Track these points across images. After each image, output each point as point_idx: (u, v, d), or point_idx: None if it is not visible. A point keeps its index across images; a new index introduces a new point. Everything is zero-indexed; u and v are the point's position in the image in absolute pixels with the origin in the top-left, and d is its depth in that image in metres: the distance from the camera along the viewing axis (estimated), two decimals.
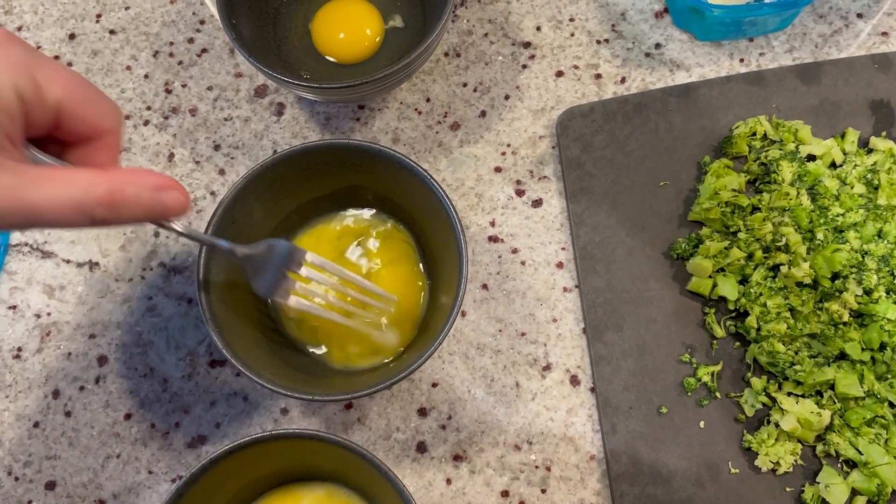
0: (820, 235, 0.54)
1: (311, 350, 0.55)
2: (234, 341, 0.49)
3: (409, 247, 0.56)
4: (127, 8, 0.68)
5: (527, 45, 0.65)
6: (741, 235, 0.55)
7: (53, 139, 0.38)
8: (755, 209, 0.57)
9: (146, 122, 0.64)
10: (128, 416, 0.57)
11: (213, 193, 0.62)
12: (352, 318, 0.53)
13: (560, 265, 0.59)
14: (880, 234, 0.54)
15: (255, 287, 0.49)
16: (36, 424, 0.57)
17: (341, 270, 0.50)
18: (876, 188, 0.56)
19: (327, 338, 0.55)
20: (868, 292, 0.53)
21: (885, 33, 0.63)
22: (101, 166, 0.38)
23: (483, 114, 0.63)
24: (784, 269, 0.54)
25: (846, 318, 0.52)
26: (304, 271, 0.49)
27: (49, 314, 0.60)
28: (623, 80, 0.63)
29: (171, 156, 0.63)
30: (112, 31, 0.67)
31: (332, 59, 0.62)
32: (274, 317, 0.55)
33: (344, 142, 0.53)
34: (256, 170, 0.52)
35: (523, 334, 0.57)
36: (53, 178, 0.34)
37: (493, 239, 0.60)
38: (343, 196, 0.57)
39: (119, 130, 0.39)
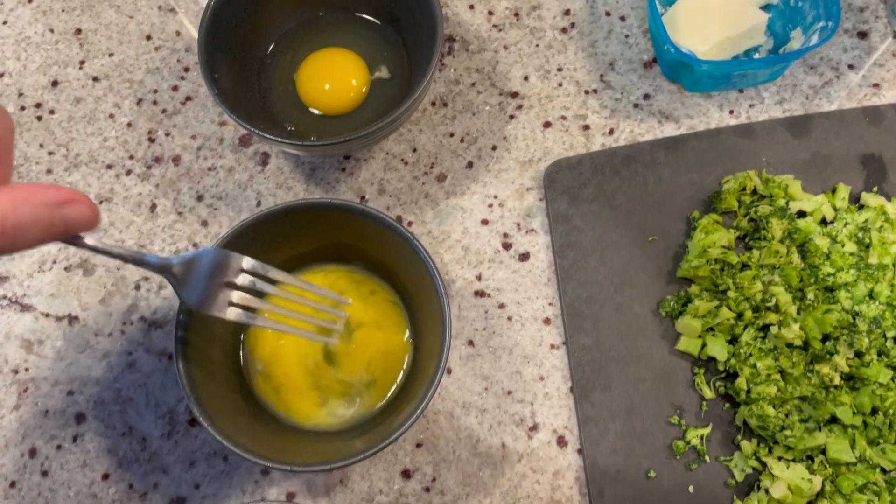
0: (810, 295, 0.53)
1: (278, 412, 0.54)
2: (211, 407, 0.48)
3: (393, 305, 0.55)
4: (111, 54, 0.67)
5: (514, 94, 0.64)
6: (730, 294, 0.54)
7: None
8: (745, 266, 0.56)
9: (128, 172, 0.63)
10: (105, 477, 0.56)
11: (195, 245, 0.61)
12: (303, 327, 0.49)
13: (547, 321, 0.58)
14: (871, 295, 0.54)
15: (186, 300, 0.44)
16: (12, 484, 0.56)
17: (284, 275, 0.46)
18: (867, 247, 0.55)
19: (290, 394, 0.53)
20: (859, 355, 0.52)
21: (876, 85, 0.62)
22: None
23: (470, 165, 0.63)
24: (774, 329, 0.53)
25: (837, 381, 0.51)
26: (240, 279, 0.45)
27: (27, 369, 0.58)
28: (611, 132, 0.63)
29: (154, 206, 0.62)
30: (95, 78, 0.66)
31: (316, 111, 0.62)
32: (247, 377, 0.54)
33: (326, 201, 0.52)
34: (237, 229, 0.51)
35: (510, 392, 0.56)
36: None
37: (480, 293, 0.59)
38: (327, 252, 0.56)
39: (11, 141, 0.34)
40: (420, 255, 0.50)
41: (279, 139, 0.54)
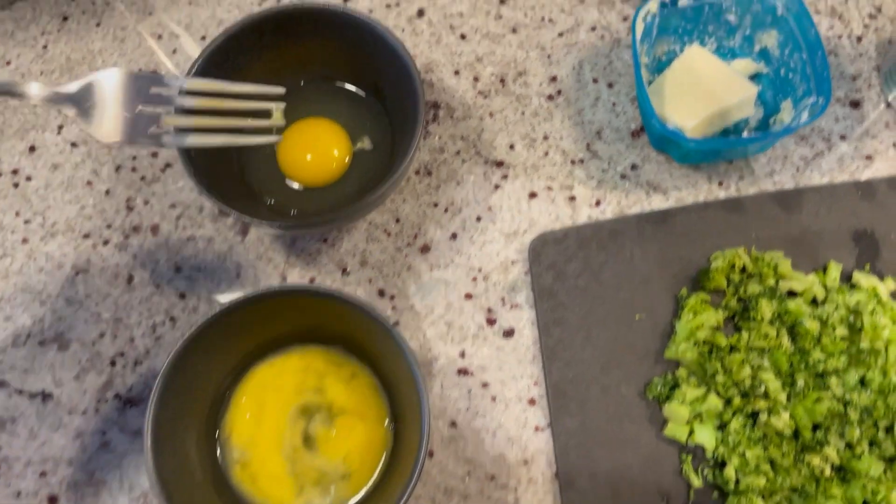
0: (801, 382, 0.52)
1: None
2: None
3: (374, 390, 0.54)
4: None
5: (499, 163, 0.63)
6: (719, 379, 0.53)
7: None
8: (733, 349, 0.54)
9: (105, 242, 0.62)
10: None
11: (172, 319, 0.60)
12: (241, 135, 0.47)
13: (532, 401, 0.57)
14: (863, 382, 0.52)
15: (97, 134, 0.40)
16: None
17: (202, 82, 0.44)
18: (859, 330, 0.54)
19: (267, 481, 0.52)
20: (850, 446, 0.50)
21: (868, 157, 0.61)
22: None
23: (454, 236, 0.61)
24: (763, 416, 0.52)
25: (828, 473, 0.50)
26: (157, 101, 0.41)
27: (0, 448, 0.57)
28: (598, 203, 0.61)
29: (131, 278, 0.61)
30: (74, 144, 0.65)
31: (297, 185, 0.60)
32: (223, 469, 0.53)
33: (303, 287, 0.51)
34: (208, 321, 0.49)
35: (493, 477, 0.55)
36: None
37: (463, 371, 0.58)
38: (306, 333, 0.55)
39: None
40: (399, 346, 0.49)
41: (258, 219, 0.52)
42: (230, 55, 0.58)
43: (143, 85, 0.41)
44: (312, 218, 0.53)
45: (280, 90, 0.49)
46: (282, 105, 0.50)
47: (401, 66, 0.56)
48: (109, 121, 0.40)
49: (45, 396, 0.58)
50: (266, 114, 0.52)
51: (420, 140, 0.54)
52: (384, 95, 0.61)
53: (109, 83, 0.40)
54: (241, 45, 0.58)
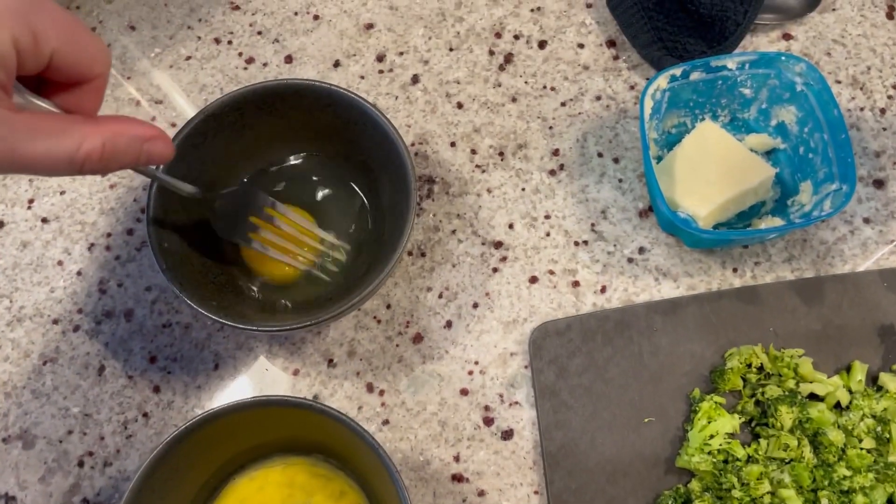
0: (824, 501, 0.48)
1: None
2: None
3: None
4: (62, 192, 0.62)
5: (498, 244, 0.59)
6: (735, 494, 0.49)
7: (39, 77, 0.38)
8: (750, 459, 0.50)
9: (76, 328, 0.58)
10: None
11: (145, 415, 0.56)
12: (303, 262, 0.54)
13: None
14: (891, 501, 0.48)
15: (222, 232, 0.51)
16: None
17: (296, 217, 0.53)
18: (887, 440, 0.49)
19: None
20: None
21: (894, 241, 0.57)
22: (86, 111, 0.39)
23: (449, 324, 0.57)
24: None
25: None
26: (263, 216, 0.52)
27: None
28: (603, 290, 0.57)
29: (102, 369, 0.57)
30: (45, 220, 0.61)
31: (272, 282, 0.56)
32: None
33: (280, 399, 0.46)
34: (176, 436, 0.45)
35: None
36: (46, 131, 0.35)
37: (457, 478, 0.53)
38: (287, 442, 0.50)
39: (108, 75, 0.39)
40: (386, 467, 0.44)
41: (240, 325, 0.48)
42: (208, 135, 0.54)
43: (261, 202, 0.53)
44: (295, 321, 0.49)
45: (347, 246, 0.57)
46: (341, 258, 0.57)
47: (392, 150, 0.52)
48: (231, 224, 0.52)
49: (9, 500, 0.54)
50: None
51: (412, 225, 0.50)
52: (374, 175, 0.57)
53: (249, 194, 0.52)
54: (219, 124, 0.54)
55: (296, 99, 0.55)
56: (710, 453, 0.50)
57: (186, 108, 0.64)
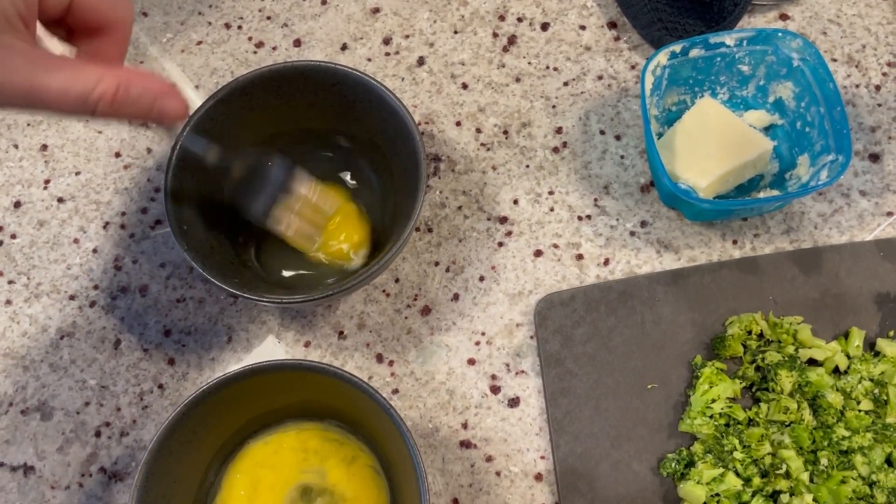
0: (824, 461, 0.49)
1: None
2: None
3: (374, 473, 0.51)
4: (77, 173, 0.63)
5: (503, 220, 0.60)
6: (737, 455, 0.50)
7: (63, 24, 0.39)
8: (752, 422, 0.51)
9: (92, 304, 0.59)
10: None
11: (161, 387, 0.57)
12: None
13: (539, 477, 0.54)
14: (889, 461, 0.49)
15: (251, 211, 0.52)
16: None
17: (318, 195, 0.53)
18: (885, 402, 0.51)
19: None
20: None
21: (890, 213, 0.58)
22: (108, 60, 0.40)
23: (456, 297, 0.58)
24: (785, 497, 0.49)
25: None
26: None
27: None
28: (606, 262, 0.59)
29: (118, 342, 0.58)
30: (60, 199, 0.63)
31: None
32: None
33: (295, 362, 0.48)
34: (194, 399, 0.47)
35: None
36: (64, 67, 0.36)
37: (466, 444, 0.55)
38: (301, 407, 0.52)
39: (130, 26, 0.40)
40: (398, 426, 0.46)
41: (254, 295, 0.50)
42: (218, 120, 0.55)
43: (290, 179, 0.53)
44: (310, 293, 0.50)
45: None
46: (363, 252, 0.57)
47: (400, 125, 0.54)
48: (260, 202, 0.53)
49: (28, 470, 0.56)
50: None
51: (423, 200, 0.51)
52: (382, 152, 0.58)
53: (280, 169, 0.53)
54: (229, 109, 0.55)
55: (302, 81, 0.56)
56: (711, 417, 0.51)
57: (199, 92, 0.65)
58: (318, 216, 0.54)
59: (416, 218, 0.51)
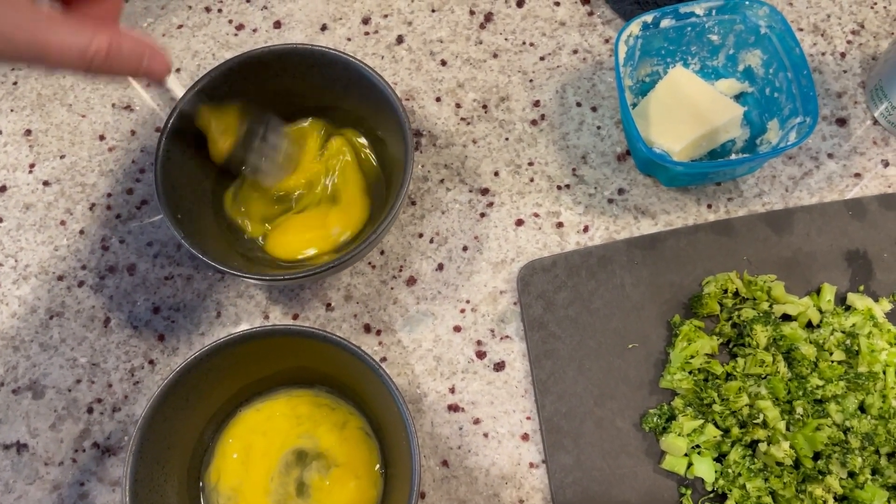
0: (799, 409, 0.51)
1: None
2: None
3: (365, 436, 0.52)
4: (62, 156, 0.64)
5: (485, 191, 0.62)
6: (716, 408, 0.52)
7: None
8: (729, 376, 0.53)
9: (80, 284, 0.60)
10: None
11: (151, 362, 0.58)
12: None
13: (525, 437, 0.55)
14: (862, 407, 0.51)
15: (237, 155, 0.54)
16: None
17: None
18: (856, 353, 0.52)
19: None
20: (853, 474, 0.49)
21: (857, 174, 0.60)
22: (104, 22, 0.42)
23: (440, 267, 0.60)
24: (763, 446, 0.50)
25: (831, 503, 0.49)
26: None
27: None
28: (586, 229, 0.60)
29: (107, 320, 0.59)
30: (46, 183, 0.63)
31: None
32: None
33: (287, 327, 0.49)
34: (185, 366, 0.47)
35: None
36: (63, 24, 0.39)
37: (454, 408, 0.56)
38: (292, 375, 0.53)
39: None
40: (387, 386, 0.47)
41: (244, 274, 0.51)
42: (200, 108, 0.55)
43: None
44: (301, 270, 0.51)
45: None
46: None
47: (381, 98, 0.55)
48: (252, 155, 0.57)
49: (21, 447, 0.56)
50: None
51: (409, 180, 0.53)
52: (369, 126, 0.59)
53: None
54: (210, 97, 0.55)
55: (279, 64, 0.57)
56: (690, 373, 0.53)
57: (180, 76, 0.66)
58: (291, 161, 0.57)
59: (404, 197, 0.52)
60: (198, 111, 0.53)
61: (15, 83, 0.67)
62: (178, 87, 0.49)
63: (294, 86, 0.59)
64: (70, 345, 0.59)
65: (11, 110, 0.66)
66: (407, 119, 0.54)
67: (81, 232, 0.62)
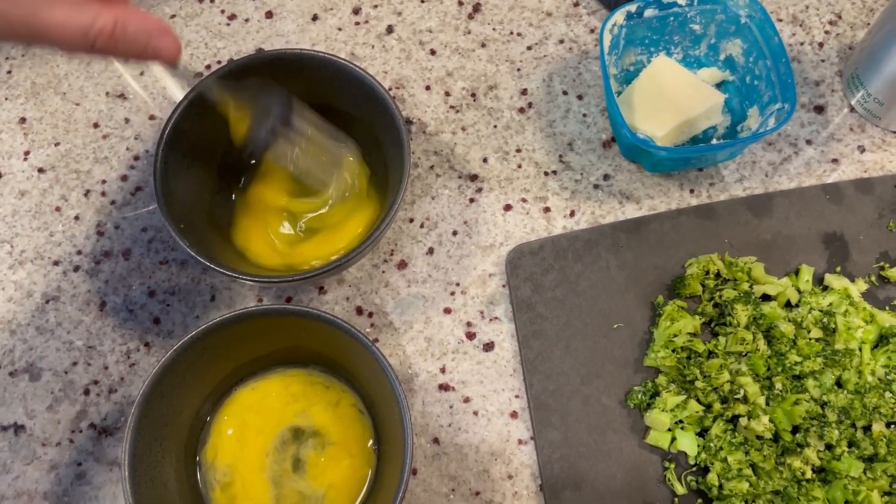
0: (778, 385, 0.53)
1: None
2: None
3: (358, 413, 0.53)
4: (56, 144, 0.65)
5: (474, 177, 0.63)
6: (698, 385, 0.53)
7: None
8: (711, 354, 0.55)
9: (76, 269, 0.61)
10: None
11: (147, 345, 0.59)
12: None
13: (514, 415, 0.56)
14: (839, 383, 0.53)
15: (253, 135, 0.51)
16: None
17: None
18: (833, 331, 0.54)
19: None
20: (830, 447, 0.51)
21: (835, 160, 0.62)
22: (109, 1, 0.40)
23: (431, 251, 0.61)
24: (743, 421, 0.52)
25: (809, 475, 0.50)
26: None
27: None
28: (572, 214, 0.62)
29: (103, 304, 0.60)
30: (41, 170, 0.64)
31: None
32: (203, 494, 0.52)
33: (280, 308, 0.50)
34: (182, 346, 0.49)
35: (477, 493, 0.55)
36: (65, 2, 0.38)
37: (444, 387, 0.57)
38: (285, 354, 0.54)
39: None
40: (379, 362, 0.48)
41: (244, 278, 0.52)
42: (189, 130, 0.56)
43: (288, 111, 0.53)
44: (301, 272, 0.52)
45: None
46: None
47: (373, 96, 0.56)
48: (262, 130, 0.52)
49: (18, 429, 0.57)
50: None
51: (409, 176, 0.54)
52: (363, 125, 0.60)
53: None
54: (203, 108, 0.55)
55: (269, 70, 0.56)
56: (674, 351, 0.55)
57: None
58: (324, 156, 0.55)
59: (401, 196, 0.53)
60: (214, 93, 0.51)
61: (9, 72, 0.67)
62: (176, 88, 0.47)
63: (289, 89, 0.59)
64: (66, 328, 0.59)
65: (6, 98, 0.67)
66: (407, 134, 0.55)
67: (76, 218, 0.63)
